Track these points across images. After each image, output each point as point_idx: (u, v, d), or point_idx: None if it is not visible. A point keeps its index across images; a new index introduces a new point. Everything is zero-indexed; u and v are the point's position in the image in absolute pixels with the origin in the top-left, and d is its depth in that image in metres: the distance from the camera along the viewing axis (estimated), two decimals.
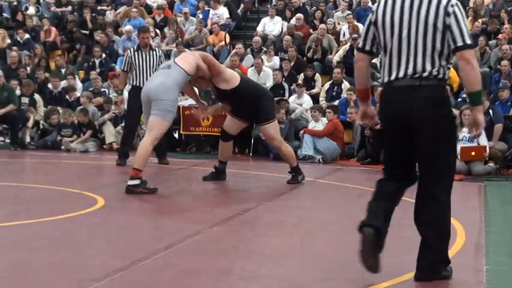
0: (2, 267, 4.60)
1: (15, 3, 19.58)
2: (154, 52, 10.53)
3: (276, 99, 13.38)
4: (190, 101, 13.07)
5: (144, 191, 7.45)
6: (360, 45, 4.53)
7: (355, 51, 4.89)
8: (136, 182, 7.47)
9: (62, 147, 12.71)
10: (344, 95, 13.20)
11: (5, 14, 19.01)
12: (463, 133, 10.62)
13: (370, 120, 4.76)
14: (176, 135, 13.31)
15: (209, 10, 17.95)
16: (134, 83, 10.30)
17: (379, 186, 4.63)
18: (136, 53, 10.37)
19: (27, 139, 13.08)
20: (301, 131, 12.03)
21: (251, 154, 12.39)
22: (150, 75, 10.16)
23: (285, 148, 8.88)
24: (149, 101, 7.69)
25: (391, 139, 4.53)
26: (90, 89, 14.48)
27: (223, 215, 6.56)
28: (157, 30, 16.99)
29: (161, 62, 10.38)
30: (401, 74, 4.29)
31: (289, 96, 13.41)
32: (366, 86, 4.64)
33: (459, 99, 12.31)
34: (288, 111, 12.70)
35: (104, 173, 9.96)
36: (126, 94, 11.35)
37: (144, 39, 10.56)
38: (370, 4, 16.65)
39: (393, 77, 4.32)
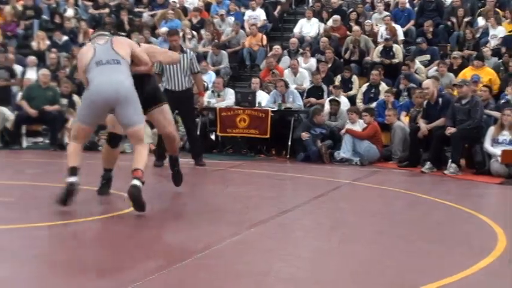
0: (42, 266, 4.63)
1: (54, 5, 19.76)
2: (185, 55, 10.40)
3: (314, 101, 13.40)
4: (227, 103, 13.09)
5: None
6: None
7: None
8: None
9: (100, 148, 12.78)
10: (382, 96, 13.11)
11: (44, 16, 19.19)
12: (504, 136, 10.48)
13: None
14: (213, 137, 13.34)
15: (244, 12, 17.95)
16: (166, 87, 10.29)
17: None
18: None
19: (66, 140, 13.18)
20: (343, 130, 11.95)
21: (288, 156, 12.35)
22: (180, 78, 10.25)
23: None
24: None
25: None
26: None
27: (260, 217, 6.54)
28: (194, 32, 17.02)
29: (192, 65, 10.40)
30: None
31: (327, 98, 13.35)
32: None
33: (501, 101, 12.15)
34: (335, 112, 12.65)
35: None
36: None
37: (172, 42, 10.55)
38: (407, 5, 16.53)
39: None
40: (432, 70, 14.05)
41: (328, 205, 7.61)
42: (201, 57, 16.07)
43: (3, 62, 15.65)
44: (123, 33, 17.61)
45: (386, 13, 16.25)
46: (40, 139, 14.12)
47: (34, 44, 17.43)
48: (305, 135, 11.91)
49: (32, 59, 16.07)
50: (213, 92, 13.59)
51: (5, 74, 15.29)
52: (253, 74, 15.56)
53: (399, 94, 13.27)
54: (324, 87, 13.70)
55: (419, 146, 11.25)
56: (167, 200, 7.38)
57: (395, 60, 14.57)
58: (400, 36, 15.49)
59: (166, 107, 7.30)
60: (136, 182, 6.28)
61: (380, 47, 14.91)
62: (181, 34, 16.73)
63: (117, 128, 6.96)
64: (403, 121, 12.14)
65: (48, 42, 17.29)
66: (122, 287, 4.11)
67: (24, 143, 13.44)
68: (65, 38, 17.35)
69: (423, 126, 10.99)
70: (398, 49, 14.76)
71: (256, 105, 12.85)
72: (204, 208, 7.20)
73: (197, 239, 5.49)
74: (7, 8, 19.02)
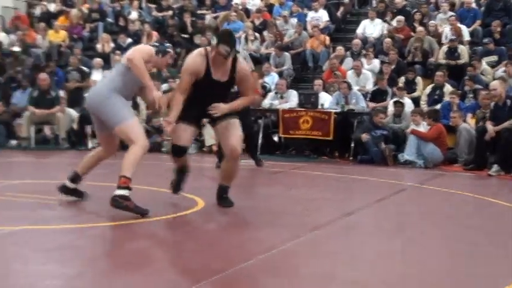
0: (106, 265, 4.67)
1: (118, 8, 20.04)
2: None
3: (376, 105, 13.27)
4: (290, 104, 13.06)
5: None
6: None
7: None
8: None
9: (163, 149, 12.90)
10: (446, 98, 12.90)
11: (108, 19, 19.47)
12: None
13: None
14: (276, 138, 13.32)
15: (306, 13, 17.89)
16: None
17: None
18: None
19: None
20: (408, 129, 11.79)
21: (351, 158, 12.25)
22: None
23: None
24: None
25: None
26: None
27: (323, 219, 6.48)
28: (257, 34, 17.04)
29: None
30: None
31: (390, 100, 13.20)
32: None
33: None
34: (399, 114, 12.52)
35: (204, 175, 10.02)
36: None
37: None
38: (473, 5, 16.24)
39: None
40: (500, 71, 13.75)
41: (392, 208, 7.51)
42: (264, 58, 16.09)
43: (75, 63, 15.93)
44: (185, 35, 17.79)
45: (452, 13, 16.00)
46: None
47: (99, 47, 17.71)
48: (365, 137, 11.79)
49: (97, 61, 16.33)
50: (276, 93, 13.58)
51: (76, 75, 15.59)
52: (316, 75, 15.49)
53: (464, 96, 13.04)
54: (389, 89, 13.56)
55: (486, 149, 11.03)
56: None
57: (461, 61, 14.34)
58: (466, 37, 15.23)
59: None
60: (117, 192, 6.10)
61: (445, 48, 14.69)
62: (243, 36, 16.79)
63: (182, 140, 6.64)
64: (469, 123, 11.92)
65: (112, 45, 17.54)
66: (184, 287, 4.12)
67: (90, 144, 13.63)
68: (129, 40, 17.56)
69: (490, 128, 10.77)
70: (463, 50, 14.52)
71: (319, 106, 12.80)
72: (266, 210, 7.17)
73: (259, 241, 5.46)
74: (73, 11, 19.38)
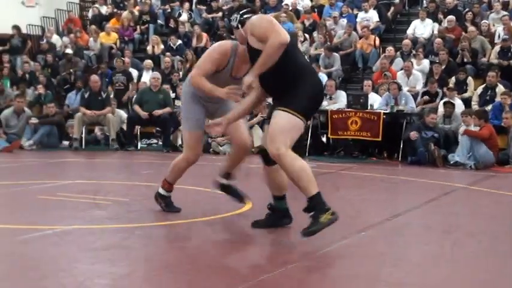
0: (154, 265, 4.72)
1: (169, 10, 20.21)
2: None
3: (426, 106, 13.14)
4: (339, 105, 13.02)
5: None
6: None
7: None
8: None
9: (211, 149, 12.98)
10: (498, 99, 12.72)
11: (159, 21, 19.66)
12: None
13: None
14: (324, 139, 13.29)
15: (357, 14, 17.81)
16: None
17: None
18: None
19: (179, 142, 13.45)
20: (461, 130, 11.65)
21: (400, 159, 12.16)
22: None
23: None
24: None
25: None
26: None
27: (371, 220, 6.45)
28: (306, 35, 17.02)
29: None
30: None
31: (439, 101, 13.07)
32: None
33: None
34: (450, 115, 12.40)
35: (251, 176, 10.04)
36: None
37: None
38: None
39: None
40: None
41: (441, 209, 7.43)
42: (313, 59, 16.06)
43: (120, 66, 16.13)
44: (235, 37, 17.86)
45: (505, 12, 15.77)
46: (154, 141, 14.47)
47: (149, 48, 17.89)
48: (414, 135, 11.67)
49: (147, 62, 16.52)
50: (325, 94, 13.55)
51: (121, 78, 15.78)
52: (365, 76, 15.42)
53: None
54: (439, 91, 13.42)
55: None
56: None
57: None
58: None
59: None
60: (158, 190, 6.54)
61: (497, 48, 14.50)
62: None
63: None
64: None
65: (162, 47, 17.70)
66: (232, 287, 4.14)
67: (139, 145, 13.79)
68: (179, 42, 17.70)
69: None
70: None
71: (369, 107, 12.73)
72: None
73: (307, 241, 5.45)
74: (124, 13, 19.62)
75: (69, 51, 17.61)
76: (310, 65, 5.52)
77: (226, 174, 6.36)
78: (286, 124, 5.17)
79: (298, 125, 5.22)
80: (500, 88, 13.00)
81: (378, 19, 17.33)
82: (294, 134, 5.22)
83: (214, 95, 5.77)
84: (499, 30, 15.19)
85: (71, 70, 16.81)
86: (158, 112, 13.43)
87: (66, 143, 14.12)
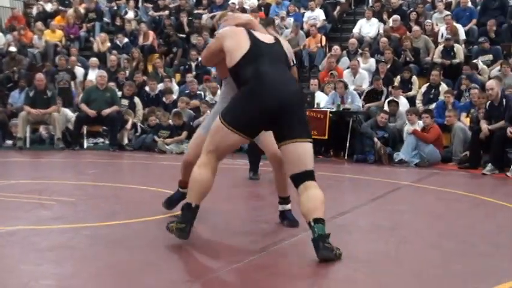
0: (100, 265, 4.68)
1: (115, 8, 20.05)
2: None
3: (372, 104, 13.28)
4: None
5: None
6: None
7: None
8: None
9: (157, 148, 12.93)
10: (441, 97, 12.93)
11: (105, 19, 19.48)
12: None
13: None
14: None
15: (303, 13, 17.90)
16: None
17: None
18: None
19: (125, 141, 13.37)
20: (409, 130, 11.78)
21: (346, 157, 12.27)
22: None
23: None
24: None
25: None
26: (187, 92, 14.69)
27: None
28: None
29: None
30: None
31: (385, 100, 13.23)
32: None
33: None
34: (394, 114, 12.55)
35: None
36: None
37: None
38: (469, 4, 16.27)
39: None
40: (495, 70, 13.79)
41: (387, 207, 7.52)
42: None
43: (64, 64, 15.94)
44: (182, 35, 17.80)
45: (448, 12, 16.04)
46: (100, 140, 14.34)
47: (95, 46, 17.72)
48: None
49: (93, 60, 16.37)
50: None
51: (66, 76, 15.59)
52: (312, 75, 15.51)
53: (460, 95, 13.07)
54: (384, 89, 13.58)
55: (481, 148, 11.06)
56: (224, 202, 7.36)
57: (456, 61, 14.36)
58: (462, 36, 15.26)
59: None
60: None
61: (440, 47, 14.73)
62: None
63: None
64: (463, 122, 11.95)
65: (109, 44, 17.56)
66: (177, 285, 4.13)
67: (85, 144, 13.65)
68: (126, 40, 17.57)
69: (484, 127, 10.80)
70: (459, 49, 14.55)
71: (315, 106, 12.80)
72: (260, 209, 7.19)
73: (253, 242, 5.47)
74: (70, 11, 19.39)
75: (12, 49, 17.33)
76: (262, 81, 4.93)
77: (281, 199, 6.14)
78: (213, 128, 5.08)
79: (229, 136, 4.96)
80: (444, 87, 13.23)
81: (324, 18, 17.45)
82: (218, 140, 5.01)
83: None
84: (442, 29, 15.43)
85: (15, 68, 16.55)
86: (107, 111, 13.30)
87: (9, 142, 13.90)
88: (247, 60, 5.00)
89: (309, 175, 4.91)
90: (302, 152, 4.88)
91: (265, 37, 5.25)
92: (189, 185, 5.08)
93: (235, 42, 5.09)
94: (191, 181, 5.04)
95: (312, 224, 4.80)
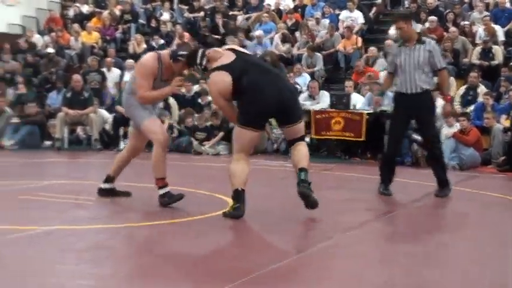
0: (137, 265, 4.68)
1: (150, 9, 20.15)
2: (422, 46, 7.92)
3: None
4: (322, 105, 13.02)
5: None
6: None
7: None
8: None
9: (193, 150, 12.95)
10: (480, 99, 12.78)
11: (140, 20, 19.59)
12: None
13: None
14: (308, 139, 13.28)
15: (338, 14, 17.82)
16: (399, 89, 8.20)
17: None
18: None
19: None
20: (448, 133, 11.64)
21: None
22: (414, 77, 7.87)
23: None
24: None
25: None
26: None
27: (354, 221, 6.44)
28: (289, 35, 17.04)
29: (433, 59, 7.88)
30: None
31: None
32: None
33: None
34: None
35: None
36: None
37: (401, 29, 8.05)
38: (508, 5, 16.06)
39: None
40: None
41: (424, 210, 7.45)
42: (296, 59, 16.07)
43: (95, 65, 16.07)
44: (217, 36, 17.83)
45: (486, 13, 15.84)
46: None
47: (131, 48, 17.81)
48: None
49: (129, 62, 16.43)
50: (309, 96, 13.56)
51: (97, 77, 15.72)
52: (347, 76, 15.42)
53: (499, 97, 12.90)
54: None
55: None
56: (257, 202, 7.32)
57: (495, 62, 14.18)
58: (500, 37, 15.06)
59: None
60: (159, 193, 6.91)
61: (479, 48, 14.55)
62: (276, 36, 16.79)
63: None
64: (503, 124, 11.79)
65: (144, 46, 17.63)
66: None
67: (122, 145, 13.71)
68: (161, 41, 17.64)
69: None
70: (498, 50, 14.37)
71: (351, 107, 12.74)
72: (297, 211, 7.14)
73: (290, 243, 5.44)
74: (105, 13, 19.52)
75: (50, 50, 17.50)
76: (258, 83, 6.25)
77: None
78: (234, 135, 6.51)
79: (246, 134, 6.31)
80: (482, 88, 13.06)
81: (363, 20, 17.33)
82: (241, 141, 6.38)
83: (165, 94, 7.21)
84: (480, 30, 15.25)
85: (52, 69, 16.70)
86: None
87: (48, 142, 14.03)
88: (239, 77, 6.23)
89: (298, 139, 6.54)
90: (297, 129, 6.51)
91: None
92: (232, 177, 6.25)
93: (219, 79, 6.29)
94: (232, 174, 6.25)
95: (297, 172, 6.34)
